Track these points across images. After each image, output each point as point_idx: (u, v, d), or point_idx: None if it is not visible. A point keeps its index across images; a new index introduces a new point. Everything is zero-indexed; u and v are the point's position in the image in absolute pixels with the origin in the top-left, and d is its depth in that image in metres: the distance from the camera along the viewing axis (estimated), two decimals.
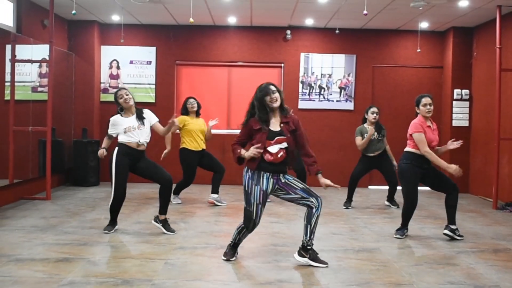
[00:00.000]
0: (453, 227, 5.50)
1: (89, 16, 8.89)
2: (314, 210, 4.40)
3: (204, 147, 7.27)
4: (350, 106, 9.62)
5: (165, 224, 5.54)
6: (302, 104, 9.43)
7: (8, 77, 7.16)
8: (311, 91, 9.61)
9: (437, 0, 6.98)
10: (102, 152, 5.61)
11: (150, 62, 9.61)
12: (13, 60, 7.22)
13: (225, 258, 4.53)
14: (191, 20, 6.98)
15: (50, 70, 7.59)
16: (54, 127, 7.81)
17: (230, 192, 8.50)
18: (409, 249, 5.12)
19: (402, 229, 5.59)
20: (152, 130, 5.62)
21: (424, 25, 9.04)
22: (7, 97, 7.18)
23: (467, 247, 5.18)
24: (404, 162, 5.44)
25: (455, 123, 9.11)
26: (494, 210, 7.49)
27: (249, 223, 4.42)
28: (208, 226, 5.95)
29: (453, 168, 5.23)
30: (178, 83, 9.66)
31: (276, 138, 4.36)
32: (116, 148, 5.37)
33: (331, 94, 9.63)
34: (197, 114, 7.33)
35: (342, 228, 6.03)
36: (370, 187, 9.54)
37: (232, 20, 9.18)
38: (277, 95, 4.39)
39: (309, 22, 9.15)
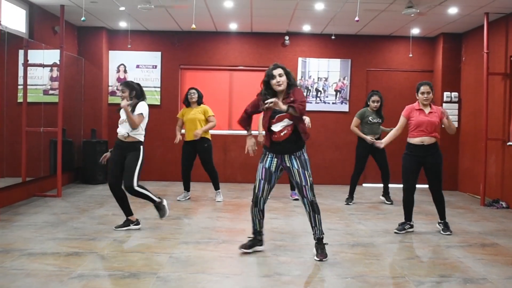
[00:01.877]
0: (440, 221, 5.59)
1: (97, 22, 8.89)
2: (304, 209, 4.44)
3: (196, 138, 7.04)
4: (345, 108, 9.61)
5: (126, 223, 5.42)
6: None
7: (21, 81, 7.16)
8: (308, 93, 9.60)
9: (409, 10, 6.95)
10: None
11: (156, 66, 9.61)
12: (26, 64, 7.22)
13: (241, 249, 4.52)
14: (193, 26, 6.97)
15: (60, 74, 7.59)
16: (64, 128, 7.82)
17: (232, 189, 8.50)
18: (401, 243, 5.12)
19: (403, 224, 5.55)
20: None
21: (415, 31, 9.04)
22: (20, 100, 7.17)
23: (456, 242, 5.18)
24: (404, 152, 5.54)
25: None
26: (481, 206, 7.49)
27: (254, 198, 4.47)
28: (210, 222, 5.94)
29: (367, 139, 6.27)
30: (182, 86, 9.66)
31: (277, 116, 4.33)
32: None
33: (327, 97, 9.62)
34: (199, 103, 7.22)
35: (338, 224, 6.02)
36: (364, 184, 9.53)
37: (233, 27, 9.17)
38: (282, 79, 4.34)
39: (306, 28, 9.15)
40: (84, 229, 5.39)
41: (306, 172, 4.35)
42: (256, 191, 4.44)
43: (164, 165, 9.46)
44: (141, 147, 5.33)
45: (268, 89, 4.39)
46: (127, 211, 5.42)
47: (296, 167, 4.35)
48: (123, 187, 5.27)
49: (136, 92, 5.40)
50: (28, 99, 7.26)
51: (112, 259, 4.32)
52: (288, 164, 4.36)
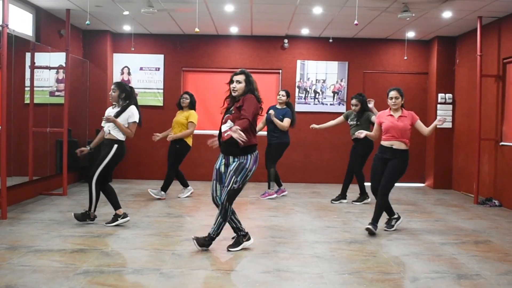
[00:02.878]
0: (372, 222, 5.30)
1: (102, 26, 8.89)
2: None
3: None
4: (342, 109, 9.60)
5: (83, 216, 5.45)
6: (298, 107, 9.42)
7: (27, 83, 7.16)
8: (306, 95, 9.60)
9: (405, 13, 6.92)
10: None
11: (159, 69, 9.61)
12: (32, 66, 7.22)
13: (232, 249, 4.51)
14: (197, 29, 6.97)
15: (66, 76, 7.59)
16: (70, 128, 7.81)
17: None
18: (397, 240, 5.12)
19: (389, 221, 5.56)
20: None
21: (410, 34, 9.04)
22: (27, 101, 7.17)
23: (450, 239, 5.18)
24: (375, 154, 5.57)
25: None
26: (475, 204, 7.48)
27: (211, 198, 4.53)
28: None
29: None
30: (184, 88, 9.65)
31: (226, 116, 4.39)
32: None
33: (325, 98, 9.62)
34: (190, 108, 7.21)
35: (335, 221, 6.02)
36: None
37: (234, 30, 9.17)
38: (238, 86, 4.37)
39: (305, 31, 9.15)
40: (89, 226, 5.38)
41: (234, 177, 4.28)
42: (211, 191, 4.50)
43: (166, 164, 9.44)
44: (115, 145, 5.35)
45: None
46: (116, 205, 5.45)
47: (231, 169, 4.32)
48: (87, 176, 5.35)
49: (126, 94, 5.44)
50: (35, 101, 7.26)
51: (116, 255, 4.32)
52: (230, 163, 4.36)
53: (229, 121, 4.34)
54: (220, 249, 4.58)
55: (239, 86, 4.38)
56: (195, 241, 4.45)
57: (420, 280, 3.83)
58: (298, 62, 9.61)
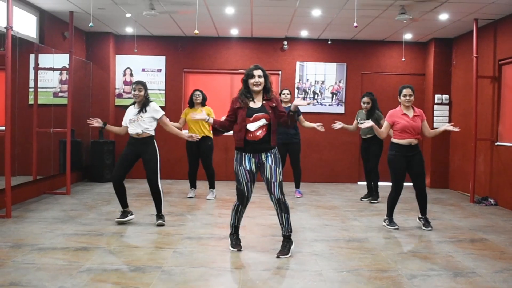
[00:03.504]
0: (422, 217, 5.62)
1: (105, 28, 8.90)
2: (274, 206, 4.32)
3: (201, 135, 7.06)
4: (341, 109, 9.62)
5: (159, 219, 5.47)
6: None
7: (31, 84, 7.17)
8: (305, 96, 9.61)
9: (402, 16, 6.91)
10: (98, 123, 5.44)
11: (160, 70, 9.62)
12: (36, 68, 7.23)
13: (235, 249, 4.45)
14: (196, 31, 6.97)
15: (69, 77, 7.60)
16: (73, 128, 7.81)
17: (232, 187, 8.47)
18: (394, 239, 5.13)
19: (389, 219, 5.60)
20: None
21: (408, 36, 9.04)
22: (31, 102, 7.18)
23: (447, 237, 5.18)
24: (390, 153, 5.51)
25: (436, 125, 9.09)
26: (471, 203, 7.49)
27: (243, 200, 4.34)
28: (212, 219, 5.95)
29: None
30: (185, 89, 9.66)
31: (255, 115, 4.24)
32: None
33: (324, 99, 9.63)
34: (203, 105, 7.19)
35: (334, 220, 6.03)
36: (359, 183, 9.53)
37: (234, 32, 9.18)
38: (261, 80, 4.32)
39: (304, 33, 9.15)
40: (92, 225, 5.39)
41: (277, 169, 4.24)
42: (246, 194, 4.29)
43: (168, 164, 9.45)
44: (154, 140, 5.41)
45: (245, 88, 4.38)
46: (124, 204, 5.47)
47: (270, 163, 4.24)
48: (149, 184, 5.35)
49: (147, 92, 5.46)
50: (39, 101, 7.26)
51: (118, 253, 4.33)
52: (263, 161, 4.26)
53: (263, 119, 4.23)
54: (221, 247, 4.59)
55: (261, 80, 4.34)
56: (283, 256, 4.26)
57: (417, 277, 3.84)
58: (297, 63, 9.61)
